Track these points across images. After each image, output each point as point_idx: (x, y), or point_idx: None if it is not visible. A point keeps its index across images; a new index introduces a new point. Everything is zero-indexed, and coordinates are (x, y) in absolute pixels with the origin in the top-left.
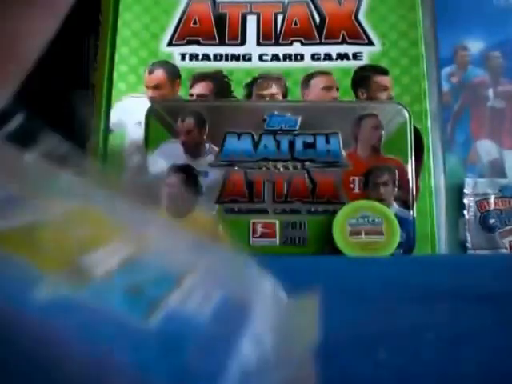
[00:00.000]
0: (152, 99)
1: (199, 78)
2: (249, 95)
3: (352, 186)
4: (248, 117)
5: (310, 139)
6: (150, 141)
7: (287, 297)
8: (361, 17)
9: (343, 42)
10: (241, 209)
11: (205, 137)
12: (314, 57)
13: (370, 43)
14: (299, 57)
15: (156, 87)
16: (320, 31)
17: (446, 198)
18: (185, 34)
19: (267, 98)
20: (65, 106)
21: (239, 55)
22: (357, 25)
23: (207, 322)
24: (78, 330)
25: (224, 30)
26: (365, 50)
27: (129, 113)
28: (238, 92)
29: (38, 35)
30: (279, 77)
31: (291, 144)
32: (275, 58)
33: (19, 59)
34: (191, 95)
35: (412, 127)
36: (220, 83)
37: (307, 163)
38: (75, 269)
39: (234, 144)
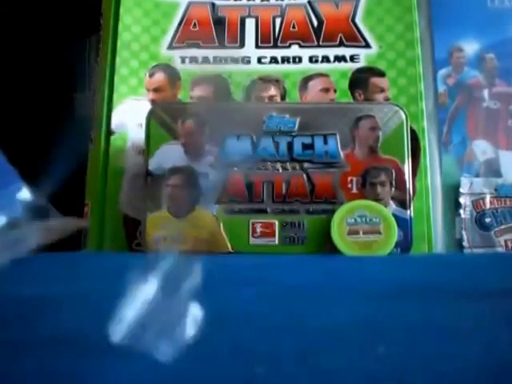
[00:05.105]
0: (153, 102)
1: (199, 80)
2: (248, 97)
3: (350, 186)
4: (247, 118)
5: (308, 140)
6: (151, 142)
7: None
8: (358, 20)
9: (340, 44)
10: (240, 209)
11: (205, 138)
12: (312, 59)
13: (367, 45)
14: (297, 59)
15: (156, 90)
16: (318, 34)
17: (443, 198)
18: (185, 38)
19: (266, 100)
20: (67, 109)
21: (238, 58)
22: (354, 28)
23: None
24: None
25: (223, 33)
26: (362, 53)
27: (130, 115)
28: (238, 94)
29: None
30: (278, 79)
31: (290, 145)
32: (274, 60)
33: None
34: (191, 98)
35: (409, 128)
36: (219, 86)
37: (306, 164)
38: None
39: (233, 145)
